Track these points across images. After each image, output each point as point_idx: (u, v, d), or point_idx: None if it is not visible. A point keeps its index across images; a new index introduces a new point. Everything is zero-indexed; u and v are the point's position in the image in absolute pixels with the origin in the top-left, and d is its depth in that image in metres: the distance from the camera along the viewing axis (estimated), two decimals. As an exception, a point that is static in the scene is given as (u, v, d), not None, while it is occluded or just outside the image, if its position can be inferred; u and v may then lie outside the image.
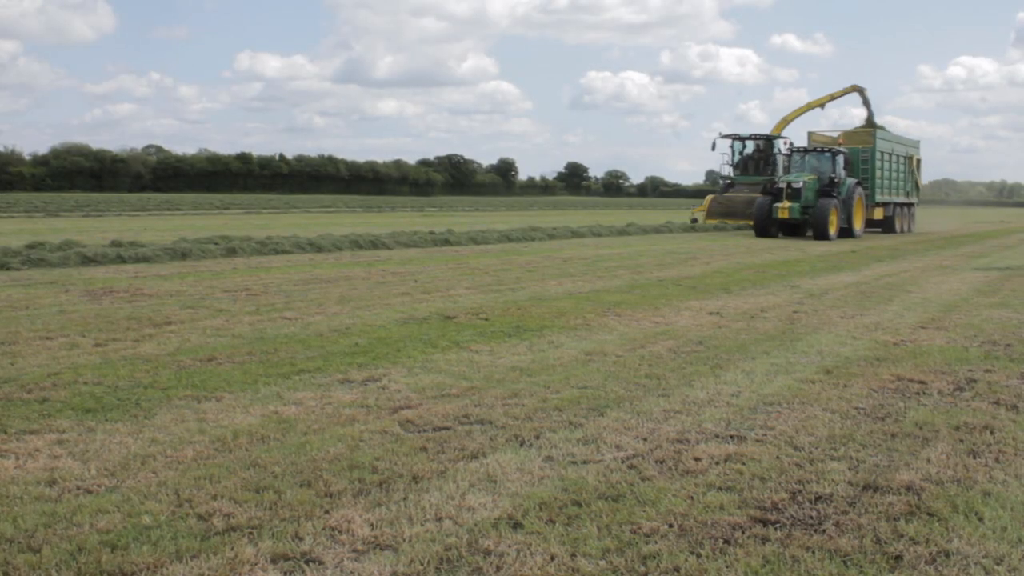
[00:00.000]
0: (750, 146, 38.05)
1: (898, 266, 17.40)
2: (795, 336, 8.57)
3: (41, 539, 3.55)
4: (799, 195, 28.36)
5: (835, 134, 34.55)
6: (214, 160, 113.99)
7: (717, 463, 4.60)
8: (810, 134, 34.36)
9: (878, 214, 32.56)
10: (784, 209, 28.31)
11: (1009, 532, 3.74)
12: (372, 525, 3.73)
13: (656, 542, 3.60)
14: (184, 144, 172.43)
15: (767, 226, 29.08)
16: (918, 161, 37.65)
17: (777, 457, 4.71)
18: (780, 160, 33.16)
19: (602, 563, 3.41)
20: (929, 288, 13.12)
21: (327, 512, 3.87)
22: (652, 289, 12.63)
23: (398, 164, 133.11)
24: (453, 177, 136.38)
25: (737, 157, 37.78)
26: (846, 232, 29.16)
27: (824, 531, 3.74)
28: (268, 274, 14.02)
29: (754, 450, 4.83)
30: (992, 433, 5.23)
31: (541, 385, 6.30)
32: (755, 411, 5.68)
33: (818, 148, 30.43)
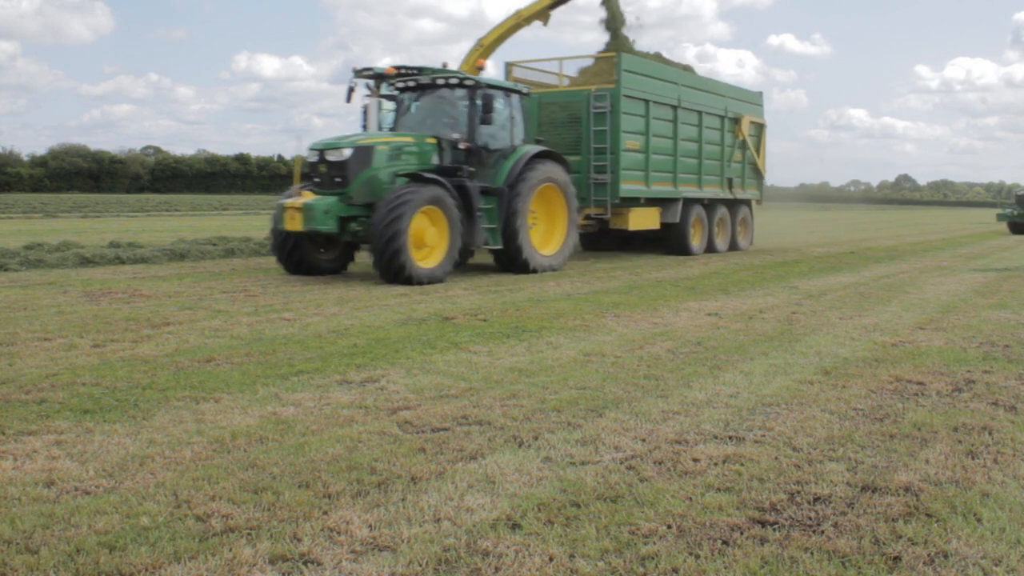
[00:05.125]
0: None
1: (896, 267, 17.41)
2: (793, 337, 8.58)
3: (39, 540, 3.54)
4: (345, 179, 12.98)
5: (570, 68, 19.84)
6: (212, 161, 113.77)
7: (716, 464, 4.60)
8: (509, 66, 18.98)
9: (645, 220, 18.27)
10: (294, 212, 12.79)
11: (1008, 533, 3.75)
12: (371, 526, 3.73)
13: (655, 543, 3.60)
14: (182, 145, 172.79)
15: (293, 250, 13.65)
16: (754, 125, 22.33)
17: (776, 458, 4.71)
18: (373, 111, 15.40)
19: (600, 564, 3.41)
20: (927, 289, 13.13)
21: (325, 513, 3.86)
22: (650, 290, 12.64)
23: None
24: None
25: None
26: (509, 258, 14.55)
27: (822, 532, 3.73)
28: (266, 275, 14.01)
29: (753, 451, 4.83)
30: (990, 434, 5.23)
31: (539, 386, 6.30)
32: (754, 412, 5.68)
33: (437, 81, 14.35)
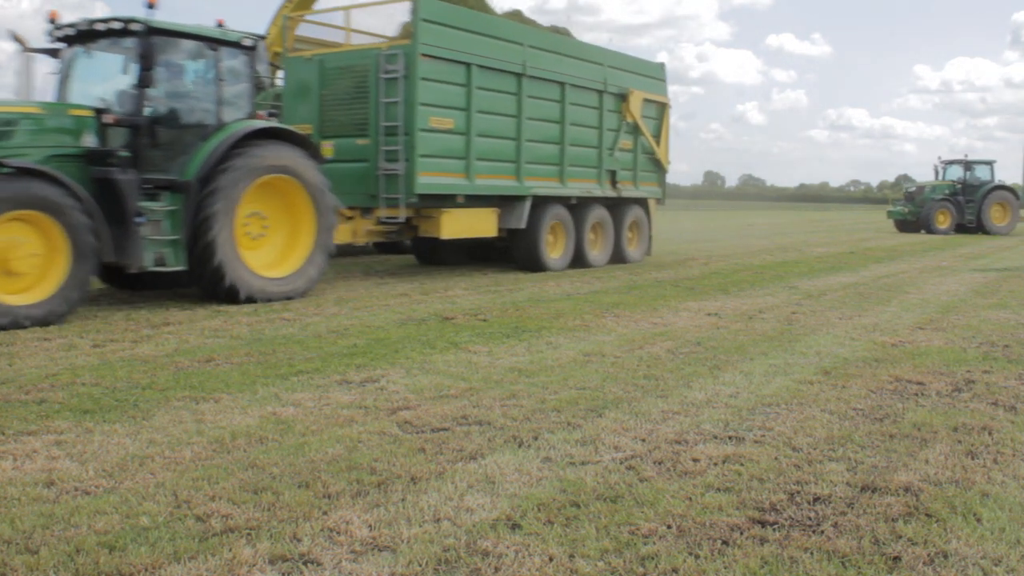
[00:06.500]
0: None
1: (896, 267, 17.42)
2: (793, 337, 8.58)
3: (39, 540, 3.54)
4: None
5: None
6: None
7: (715, 464, 4.60)
8: (287, 20, 14.49)
9: (468, 224, 13.96)
10: None
11: (1007, 533, 3.75)
12: (370, 526, 3.73)
13: (654, 543, 3.60)
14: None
15: None
16: (651, 104, 17.61)
17: (775, 458, 4.71)
18: (24, 70, 11.30)
19: (600, 564, 3.41)
20: (927, 289, 13.13)
21: (325, 513, 3.86)
22: (650, 290, 12.64)
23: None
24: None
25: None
26: (208, 285, 10.25)
27: (822, 532, 3.74)
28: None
29: (752, 451, 4.83)
30: (990, 434, 5.23)
31: (539, 386, 6.30)
32: (753, 412, 5.68)
33: (97, 28, 10.09)
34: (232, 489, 4.13)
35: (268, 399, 5.86)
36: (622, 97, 16.74)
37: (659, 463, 4.61)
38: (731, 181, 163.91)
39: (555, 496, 4.10)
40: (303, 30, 14.76)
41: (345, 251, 15.45)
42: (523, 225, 14.57)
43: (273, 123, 11.28)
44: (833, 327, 9.24)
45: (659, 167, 18.19)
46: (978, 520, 3.88)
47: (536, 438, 5.01)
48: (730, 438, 5.09)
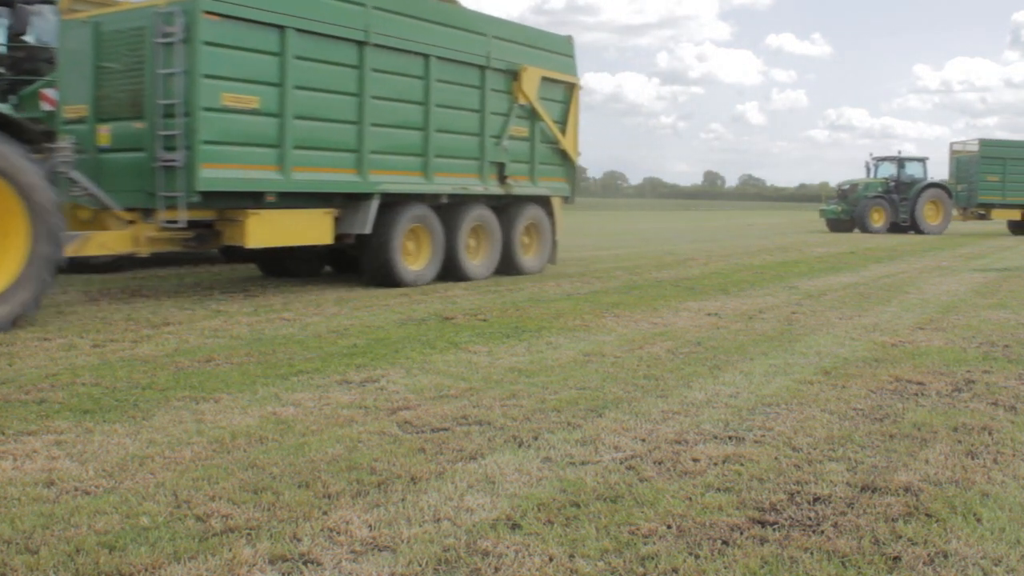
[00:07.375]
0: None
1: (896, 267, 17.41)
2: (793, 337, 8.58)
3: (39, 540, 3.54)
4: None
5: None
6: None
7: (715, 464, 4.60)
8: None
9: (288, 230, 11.00)
10: None
11: (1007, 533, 3.75)
12: (370, 526, 3.73)
13: (654, 543, 3.60)
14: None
15: None
16: (553, 85, 14.67)
17: (775, 458, 4.71)
18: None
19: (600, 564, 3.41)
20: (927, 289, 13.13)
21: (325, 513, 3.86)
22: (650, 290, 12.64)
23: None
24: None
25: None
26: None
27: (822, 532, 3.74)
28: (266, 276, 14.01)
29: (752, 451, 4.83)
30: (990, 434, 5.23)
31: (539, 386, 6.30)
32: (753, 412, 5.68)
33: None
34: (232, 489, 4.13)
35: (268, 399, 5.86)
36: (512, 74, 13.83)
37: (659, 463, 4.61)
38: (731, 181, 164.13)
39: (555, 496, 4.10)
40: None
41: (171, 259, 13.01)
42: (368, 230, 11.66)
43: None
44: (833, 327, 9.24)
45: (565, 159, 15.27)
46: (978, 520, 3.88)
47: (536, 438, 5.01)
48: (730, 438, 5.09)
